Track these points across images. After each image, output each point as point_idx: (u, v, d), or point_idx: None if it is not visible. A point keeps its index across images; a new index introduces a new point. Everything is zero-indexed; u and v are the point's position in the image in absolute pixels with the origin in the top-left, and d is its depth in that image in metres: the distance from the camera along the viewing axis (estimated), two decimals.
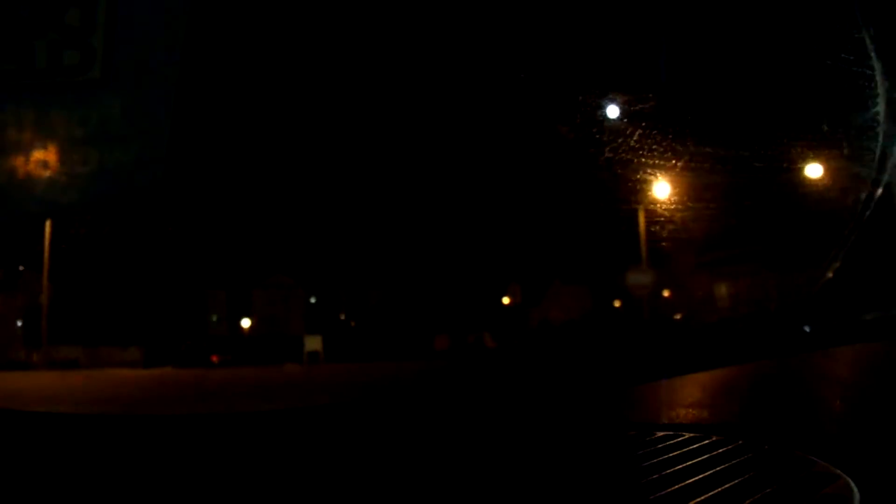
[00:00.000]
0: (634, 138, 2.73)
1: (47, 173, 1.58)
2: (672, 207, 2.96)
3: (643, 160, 2.78)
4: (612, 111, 2.80)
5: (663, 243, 3.31)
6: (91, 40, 1.45)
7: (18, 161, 1.56)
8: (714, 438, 1.39)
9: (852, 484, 1.12)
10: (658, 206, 3.02)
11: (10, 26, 1.40)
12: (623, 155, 2.78)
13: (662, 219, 3.03)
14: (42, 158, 1.58)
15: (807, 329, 2.47)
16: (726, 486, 1.08)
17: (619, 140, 2.78)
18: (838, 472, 1.17)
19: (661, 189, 2.97)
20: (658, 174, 2.84)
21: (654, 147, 2.73)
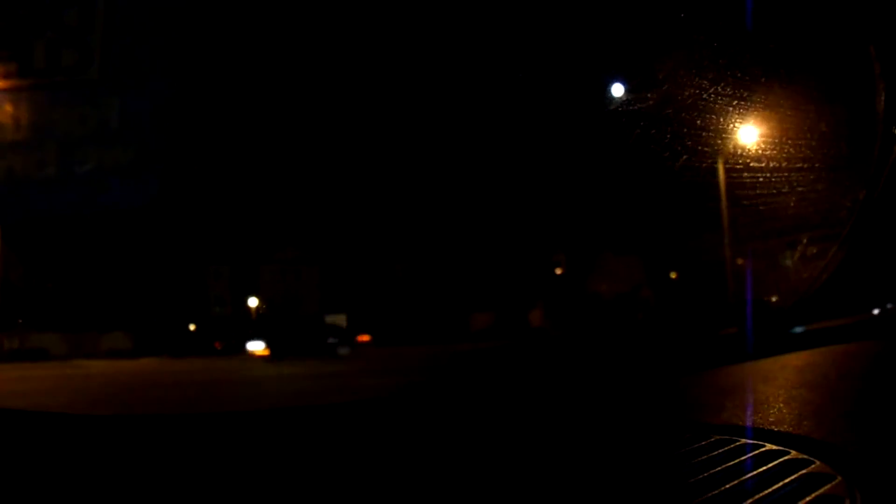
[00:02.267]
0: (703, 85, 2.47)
1: (45, 173, 1.58)
2: (752, 163, 2.63)
3: (715, 109, 2.51)
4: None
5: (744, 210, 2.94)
6: (89, 40, 1.45)
7: (16, 161, 1.56)
8: (793, 455, 1.25)
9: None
10: (740, 157, 2.68)
11: (7, 26, 1.40)
12: (690, 101, 2.53)
13: (744, 171, 2.68)
14: (40, 158, 1.57)
15: (798, 330, 2.32)
16: None
17: (685, 86, 2.55)
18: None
19: (746, 136, 2.61)
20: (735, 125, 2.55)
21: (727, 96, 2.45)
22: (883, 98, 2.06)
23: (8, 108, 1.46)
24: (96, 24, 1.44)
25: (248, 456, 1.33)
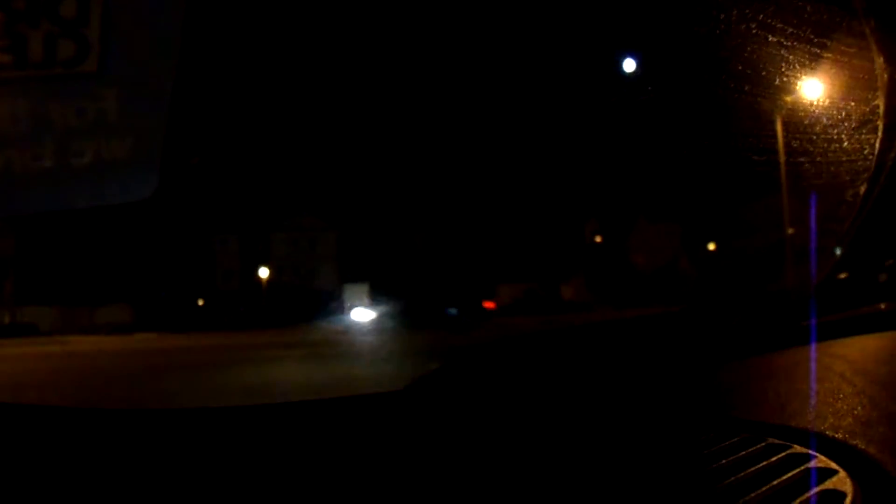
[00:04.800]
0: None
1: (42, 165, 1.57)
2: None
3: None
4: None
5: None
6: (86, 32, 1.43)
7: (12, 153, 1.55)
8: (795, 449, 1.20)
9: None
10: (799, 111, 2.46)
11: (3, 18, 1.39)
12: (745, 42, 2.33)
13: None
14: (36, 151, 1.56)
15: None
16: None
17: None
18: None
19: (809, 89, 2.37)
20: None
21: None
22: (883, 92, 2.06)
23: (4, 100, 1.44)
24: (93, 15, 1.43)
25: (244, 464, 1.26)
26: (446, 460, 1.27)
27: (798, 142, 2.62)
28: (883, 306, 2.34)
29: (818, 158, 2.52)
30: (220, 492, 1.14)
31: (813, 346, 1.97)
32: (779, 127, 2.91)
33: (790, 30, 2.44)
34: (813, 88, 2.57)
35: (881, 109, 2.04)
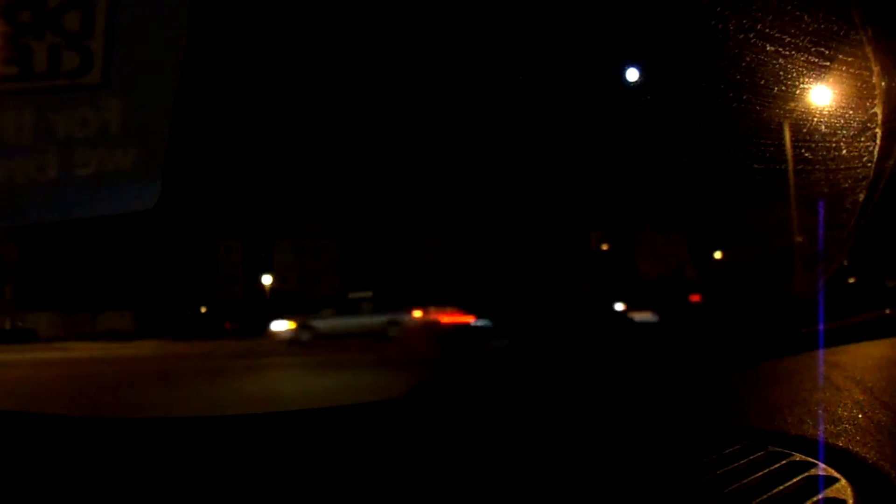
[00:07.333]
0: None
1: (45, 176, 1.57)
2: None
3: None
4: None
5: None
6: (90, 44, 1.45)
7: (16, 163, 1.56)
8: (796, 457, 1.18)
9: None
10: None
11: (8, 30, 1.40)
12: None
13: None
14: (40, 161, 1.57)
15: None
16: None
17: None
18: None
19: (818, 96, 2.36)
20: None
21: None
22: (881, 99, 2.06)
23: (9, 111, 1.46)
24: (97, 28, 1.44)
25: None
26: (445, 467, 1.27)
27: (798, 150, 2.63)
28: (888, 311, 2.34)
29: (818, 166, 2.53)
30: (220, 502, 1.14)
31: (814, 354, 1.97)
32: (787, 135, 2.93)
33: (790, 39, 2.45)
34: (813, 97, 2.59)
35: (880, 117, 2.05)
